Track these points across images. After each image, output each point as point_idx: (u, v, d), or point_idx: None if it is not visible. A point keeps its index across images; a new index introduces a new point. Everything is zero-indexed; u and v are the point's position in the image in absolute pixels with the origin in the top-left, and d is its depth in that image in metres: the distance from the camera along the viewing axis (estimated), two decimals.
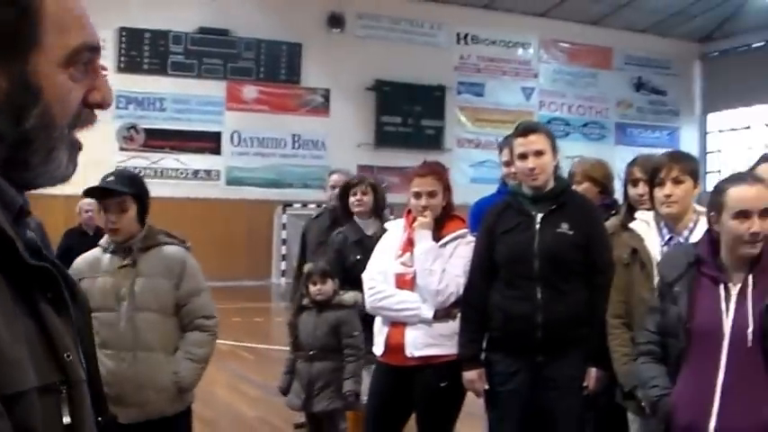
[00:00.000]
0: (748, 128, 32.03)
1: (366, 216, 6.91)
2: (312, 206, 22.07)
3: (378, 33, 28.52)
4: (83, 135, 1.46)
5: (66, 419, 1.35)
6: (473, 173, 28.49)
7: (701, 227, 4.36)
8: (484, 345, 5.25)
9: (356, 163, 24.34)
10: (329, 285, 6.50)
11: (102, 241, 5.07)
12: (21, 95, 1.32)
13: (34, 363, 1.29)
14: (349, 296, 6.49)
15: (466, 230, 5.56)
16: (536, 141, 5.06)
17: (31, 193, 1.45)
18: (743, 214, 3.76)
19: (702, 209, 4.39)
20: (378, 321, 5.63)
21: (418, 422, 5.56)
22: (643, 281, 4.72)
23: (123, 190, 4.84)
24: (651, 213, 4.89)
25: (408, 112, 28.61)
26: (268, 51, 26.97)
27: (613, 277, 4.91)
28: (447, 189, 5.57)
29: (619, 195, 6.40)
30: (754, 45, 31.70)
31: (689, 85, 34.26)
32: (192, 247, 5.19)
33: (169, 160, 25.50)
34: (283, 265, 25.60)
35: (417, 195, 5.49)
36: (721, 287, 3.85)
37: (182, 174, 25.76)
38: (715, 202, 3.90)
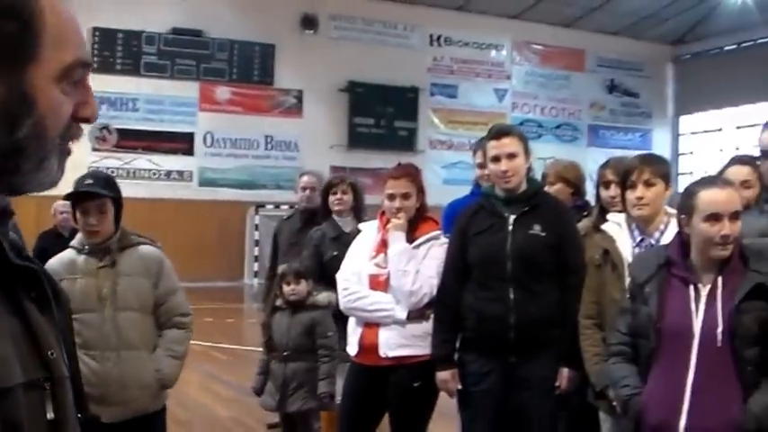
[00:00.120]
0: (720, 130, 32.23)
1: (345, 215, 7.03)
2: (285, 207, 22.12)
3: (351, 35, 28.52)
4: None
5: (50, 415, 1.39)
6: (446, 174, 28.51)
7: (672, 229, 4.40)
8: (457, 345, 5.28)
9: (329, 164, 24.35)
10: (303, 286, 6.51)
11: (75, 243, 5.06)
12: (16, 106, 1.34)
13: (20, 359, 1.33)
14: (323, 297, 6.52)
15: (439, 232, 5.59)
16: (509, 144, 5.10)
17: None
18: (714, 217, 3.81)
19: (673, 211, 4.43)
20: (351, 322, 5.66)
21: (391, 422, 5.58)
22: (614, 282, 4.75)
23: (104, 193, 4.87)
24: (623, 215, 4.93)
25: (381, 114, 28.62)
26: (241, 52, 26.94)
27: (585, 278, 4.95)
28: (421, 191, 5.60)
29: (591, 197, 6.46)
30: (725, 48, 31.90)
31: (661, 88, 34.45)
32: (162, 248, 5.23)
33: (142, 161, 25.43)
34: (256, 266, 25.53)
35: (391, 197, 5.52)
36: (691, 288, 3.90)
37: (154, 174, 25.69)
38: (686, 204, 3.95)
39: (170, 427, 5.37)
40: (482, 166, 6.02)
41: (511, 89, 31.53)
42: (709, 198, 3.86)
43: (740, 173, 5.39)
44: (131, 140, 24.82)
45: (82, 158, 20.39)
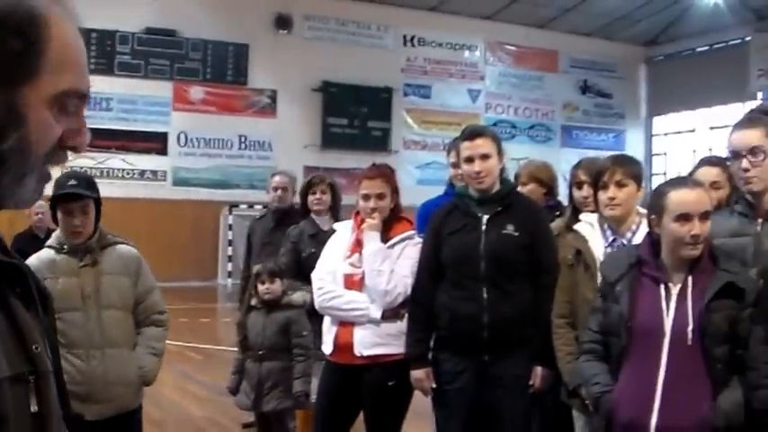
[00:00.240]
0: (693, 131, 32.35)
1: (323, 213, 7.14)
2: (258, 207, 22.04)
3: (325, 35, 28.46)
4: None
5: (34, 408, 1.43)
6: (419, 174, 28.51)
7: (644, 229, 4.42)
8: (431, 344, 5.32)
9: (302, 164, 24.23)
10: (277, 285, 6.54)
11: (53, 242, 5.06)
12: (4, 117, 1.37)
13: (5, 354, 1.36)
14: (297, 296, 6.55)
15: (413, 232, 5.63)
16: (482, 145, 5.14)
17: None
18: (684, 217, 3.85)
19: (645, 211, 4.47)
20: (326, 321, 5.68)
21: (366, 421, 5.61)
22: (587, 281, 4.79)
23: (87, 194, 4.90)
24: (595, 215, 4.97)
25: (355, 114, 28.54)
26: (215, 52, 26.83)
27: (558, 278, 4.99)
28: (395, 191, 5.64)
29: (564, 197, 6.50)
30: (698, 49, 32.02)
31: (634, 89, 34.54)
32: (136, 247, 5.27)
33: (115, 160, 25.26)
34: (230, 266, 25.48)
35: (366, 198, 5.55)
36: (662, 287, 3.94)
37: (128, 174, 25.55)
38: (656, 205, 3.99)
39: (144, 426, 5.39)
40: (456, 165, 6.05)
41: (484, 90, 31.54)
42: (680, 198, 3.90)
43: (709, 174, 5.43)
44: (105, 140, 24.59)
45: None
